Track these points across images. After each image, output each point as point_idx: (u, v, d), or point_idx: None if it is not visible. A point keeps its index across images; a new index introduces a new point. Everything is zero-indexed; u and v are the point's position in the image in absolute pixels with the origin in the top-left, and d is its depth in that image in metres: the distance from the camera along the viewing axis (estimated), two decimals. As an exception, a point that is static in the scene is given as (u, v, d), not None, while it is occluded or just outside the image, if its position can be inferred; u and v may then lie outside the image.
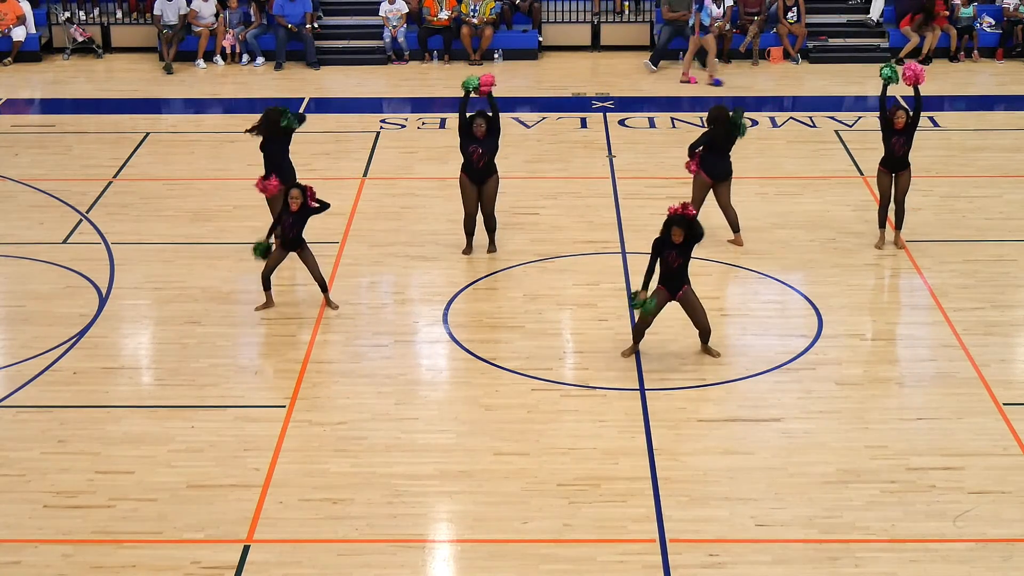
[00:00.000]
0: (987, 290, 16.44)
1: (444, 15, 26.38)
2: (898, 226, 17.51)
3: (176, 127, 23.00)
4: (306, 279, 16.40)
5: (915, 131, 17.10)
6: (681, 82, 25.26)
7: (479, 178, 17.06)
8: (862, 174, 19.95)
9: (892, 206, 17.41)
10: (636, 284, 16.03)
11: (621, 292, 16.23)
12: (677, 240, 14.20)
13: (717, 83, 25.02)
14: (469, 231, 17.41)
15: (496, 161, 17.05)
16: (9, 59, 26.30)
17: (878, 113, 17.33)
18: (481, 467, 12.87)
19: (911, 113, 17.04)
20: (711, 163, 17.43)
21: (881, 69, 16.97)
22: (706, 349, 14.82)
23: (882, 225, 17.61)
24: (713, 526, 11.97)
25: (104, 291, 16.49)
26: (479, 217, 17.33)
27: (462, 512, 12.25)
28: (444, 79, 25.55)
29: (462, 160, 17.07)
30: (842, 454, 13.02)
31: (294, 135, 17.02)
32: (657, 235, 14.38)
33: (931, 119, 22.66)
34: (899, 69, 17.08)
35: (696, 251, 14.50)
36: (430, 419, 13.76)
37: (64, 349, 15.12)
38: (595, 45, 27.53)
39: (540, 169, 20.58)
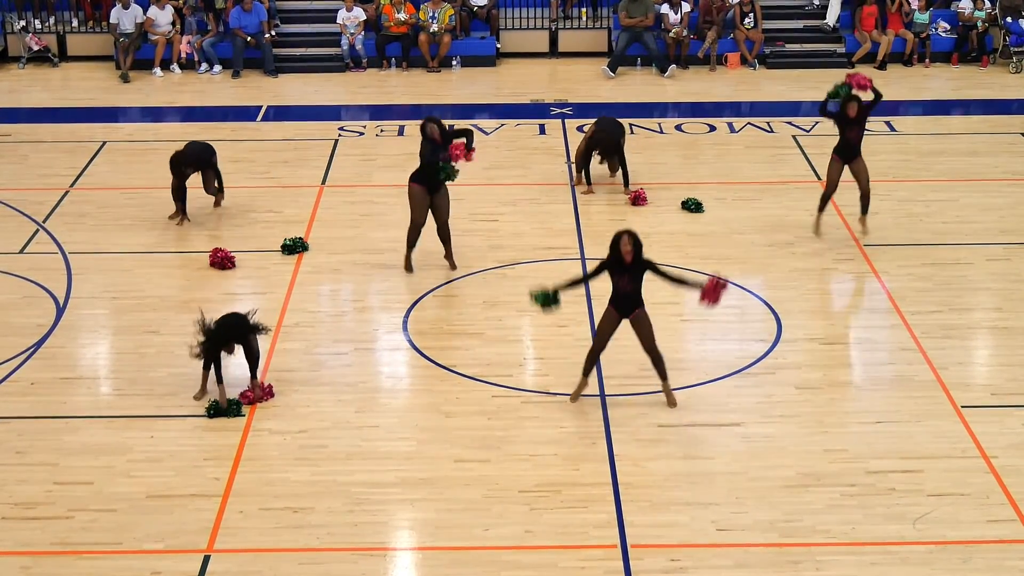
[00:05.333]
0: (945, 293, 16.53)
1: (402, 16, 26.31)
2: (864, 211, 17.85)
3: (133, 136, 22.87)
4: (263, 289, 16.40)
5: (867, 118, 17.48)
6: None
7: (434, 187, 16.80)
8: (819, 179, 20.00)
9: (859, 194, 17.76)
10: (595, 290, 16.09)
11: (581, 298, 16.23)
12: (627, 256, 13.40)
13: None
14: (412, 244, 17.02)
15: (454, 166, 16.82)
16: None
17: (827, 116, 17.66)
18: (442, 474, 12.85)
19: (862, 101, 17.27)
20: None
21: (839, 88, 17.42)
22: (666, 391, 14.05)
23: (821, 210, 17.98)
24: (674, 531, 11.98)
25: (62, 301, 16.38)
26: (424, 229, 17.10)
27: (423, 520, 12.23)
28: (402, 86, 25.54)
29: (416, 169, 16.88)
30: (802, 458, 13.06)
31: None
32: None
33: (888, 123, 22.79)
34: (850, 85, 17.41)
35: (654, 257, 14.41)
36: (390, 427, 13.73)
37: (21, 360, 15.01)
38: (553, 51, 27.55)
39: (499, 176, 20.57)
